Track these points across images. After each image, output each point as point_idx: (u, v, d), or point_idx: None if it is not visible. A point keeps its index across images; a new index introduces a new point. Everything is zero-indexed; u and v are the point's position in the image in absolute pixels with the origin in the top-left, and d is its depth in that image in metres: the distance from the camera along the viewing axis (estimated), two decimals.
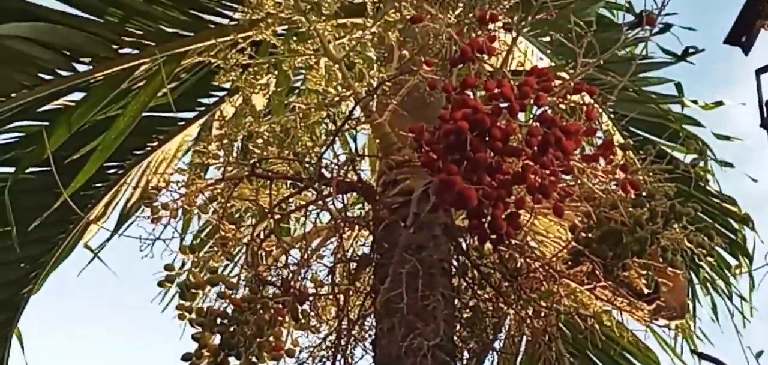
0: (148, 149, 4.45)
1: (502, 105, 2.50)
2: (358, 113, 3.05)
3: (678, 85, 5.28)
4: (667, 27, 4.97)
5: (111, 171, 4.45)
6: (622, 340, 4.30)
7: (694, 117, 5.20)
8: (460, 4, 3.19)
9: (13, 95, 3.66)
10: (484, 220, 2.49)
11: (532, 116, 2.62)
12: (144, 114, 4.00)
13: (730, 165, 5.05)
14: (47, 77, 3.69)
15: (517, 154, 2.49)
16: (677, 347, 4.70)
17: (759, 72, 3.09)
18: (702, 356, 3.85)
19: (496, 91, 2.52)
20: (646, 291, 2.97)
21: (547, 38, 5.06)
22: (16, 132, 4.13)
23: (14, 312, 4.50)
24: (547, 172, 2.50)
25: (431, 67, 2.73)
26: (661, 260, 2.87)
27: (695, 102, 5.32)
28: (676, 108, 5.22)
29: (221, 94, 4.33)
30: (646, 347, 4.49)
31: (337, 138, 3.02)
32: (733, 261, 4.92)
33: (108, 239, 4.49)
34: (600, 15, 5.37)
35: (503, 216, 2.48)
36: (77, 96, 3.90)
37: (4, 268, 4.42)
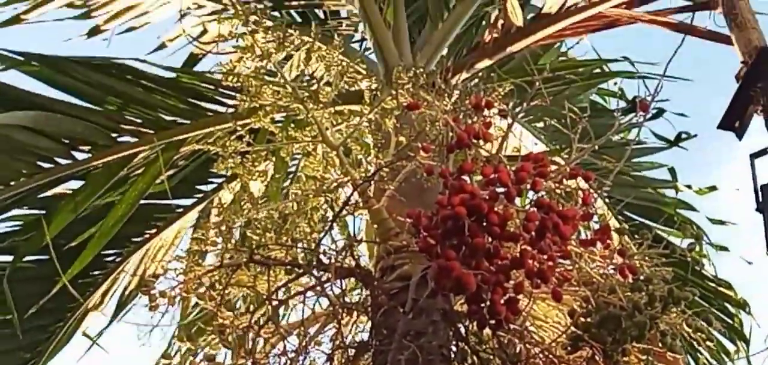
0: (147, 236, 4.45)
1: (499, 190, 2.52)
2: (355, 198, 3.06)
3: (671, 170, 5.34)
4: (659, 112, 5.06)
5: (109, 259, 4.45)
6: None
7: (688, 201, 5.26)
8: (456, 92, 3.24)
9: (12, 183, 3.68)
10: (483, 305, 2.49)
11: (528, 201, 2.64)
12: (142, 201, 4.02)
13: (726, 249, 5.07)
14: (46, 165, 3.72)
15: (515, 239, 2.49)
16: None
17: (754, 156, 3.12)
18: None
19: (493, 176, 2.54)
20: None
21: (541, 124, 5.12)
22: (14, 220, 4.15)
23: None
24: (545, 257, 2.51)
25: (428, 153, 2.75)
26: (660, 345, 2.85)
27: (689, 187, 5.37)
28: (670, 192, 5.27)
29: (219, 181, 4.36)
30: None
31: (335, 224, 3.02)
32: (731, 346, 4.91)
33: (106, 327, 4.47)
34: (593, 101, 5.45)
35: (502, 301, 2.48)
36: (76, 184, 3.93)
37: (3, 356, 4.38)
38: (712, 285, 4.90)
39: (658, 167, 5.34)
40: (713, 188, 5.38)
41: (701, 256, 4.89)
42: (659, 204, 5.08)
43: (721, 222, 5.14)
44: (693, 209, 5.22)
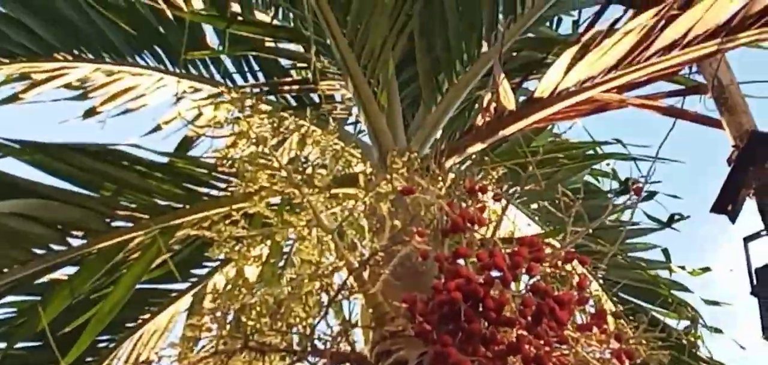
0: (140, 321, 4.42)
1: (494, 275, 2.53)
2: (351, 282, 3.05)
3: (665, 251, 5.36)
4: (652, 194, 5.09)
5: (102, 344, 4.41)
6: None
7: (682, 283, 5.26)
8: (450, 175, 3.26)
9: (5, 270, 3.67)
10: None
11: (524, 285, 2.64)
12: (136, 286, 4.01)
13: (720, 331, 5.05)
14: (41, 252, 3.72)
15: (511, 324, 2.49)
16: None
17: (747, 240, 3.14)
18: None
19: (488, 261, 2.55)
20: None
21: (535, 205, 5.15)
22: (9, 307, 4.13)
23: None
24: (542, 342, 2.50)
25: (423, 237, 2.76)
26: None
27: (683, 268, 5.37)
28: (665, 273, 5.27)
29: (214, 264, 4.35)
30: None
31: (330, 309, 3.01)
32: None
33: None
34: (586, 182, 5.48)
35: None
36: (71, 270, 3.92)
37: None
38: None
39: (652, 248, 5.35)
40: (707, 269, 5.38)
41: (696, 338, 4.87)
42: (654, 286, 5.08)
43: (716, 303, 5.13)
44: (687, 290, 5.23)
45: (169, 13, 4.44)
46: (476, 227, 2.74)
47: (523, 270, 2.57)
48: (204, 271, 4.47)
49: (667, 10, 2.95)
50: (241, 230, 3.30)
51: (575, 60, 3.33)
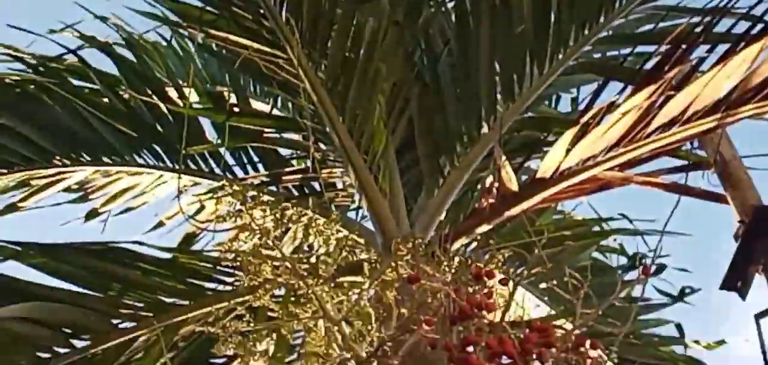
0: None
1: (504, 363, 2.48)
2: None
3: (678, 326, 5.27)
4: (661, 268, 5.04)
5: None
6: None
7: (697, 358, 5.17)
8: (456, 259, 3.22)
9: None
10: None
11: None
12: None
13: None
14: (45, 356, 3.68)
15: None
16: None
17: (758, 316, 3.09)
18: None
19: (497, 348, 2.50)
20: None
21: (544, 285, 5.09)
22: None
23: None
24: None
25: (431, 325, 2.72)
26: None
27: (697, 342, 5.30)
28: (679, 349, 5.20)
29: (220, 361, 4.29)
30: None
31: None
32: None
33: None
34: (594, 259, 5.43)
35: None
36: None
37: None
38: None
39: (665, 324, 5.28)
40: (722, 343, 5.31)
41: None
42: (669, 363, 5.01)
43: None
44: None
45: (165, 109, 4.45)
46: (484, 313, 2.69)
47: (534, 357, 2.53)
48: None
49: (666, 86, 2.95)
50: (245, 325, 3.25)
51: (576, 139, 3.32)
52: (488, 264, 3.02)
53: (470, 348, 2.57)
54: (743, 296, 3.17)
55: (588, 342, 2.61)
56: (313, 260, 3.38)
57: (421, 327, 2.85)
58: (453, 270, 3.09)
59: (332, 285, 3.33)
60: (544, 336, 2.51)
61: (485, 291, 2.82)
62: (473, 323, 2.67)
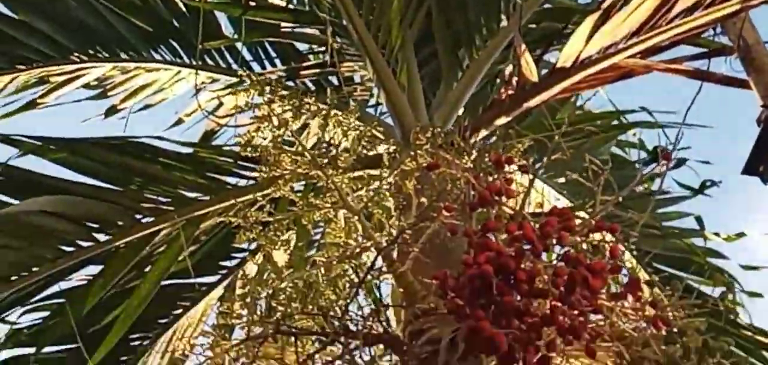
0: (173, 316, 4.42)
1: (524, 247, 2.48)
2: (380, 263, 3.02)
3: (699, 219, 5.27)
4: (682, 161, 5.01)
5: (136, 342, 4.42)
6: None
7: (718, 249, 5.18)
8: (475, 150, 3.21)
9: (35, 269, 3.68)
10: None
11: (555, 257, 2.59)
12: (166, 282, 4.02)
13: (759, 295, 4.98)
14: (68, 249, 3.72)
15: (544, 295, 2.45)
16: None
17: None
18: None
19: (517, 233, 2.50)
20: None
21: (562, 179, 5.09)
22: (38, 311, 4.14)
23: None
24: (576, 313, 2.46)
25: (451, 212, 2.72)
26: None
27: (717, 235, 5.29)
28: (699, 241, 5.20)
29: (242, 255, 4.34)
30: None
31: (360, 290, 2.98)
32: None
33: None
34: (614, 154, 5.41)
35: (535, 360, 2.43)
36: (97, 267, 3.92)
37: None
38: (748, 333, 4.80)
39: (685, 217, 5.28)
40: (742, 235, 5.30)
41: (735, 305, 4.79)
42: (688, 254, 5.01)
43: (754, 268, 5.04)
44: (723, 256, 5.15)
45: (181, 4, 4.41)
46: (504, 199, 2.69)
47: (554, 241, 2.53)
48: (233, 263, 4.47)
49: None
50: (266, 215, 3.27)
51: (597, 27, 3.28)
52: (508, 152, 3.00)
53: (490, 235, 2.57)
54: (765, 180, 3.15)
55: (608, 227, 2.60)
56: (331, 152, 3.38)
57: (440, 215, 2.86)
58: (472, 158, 3.07)
59: (352, 175, 3.33)
60: (563, 220, 2.50)
61: (505, 177, 2.81)
62: (493, 210, 2.67)
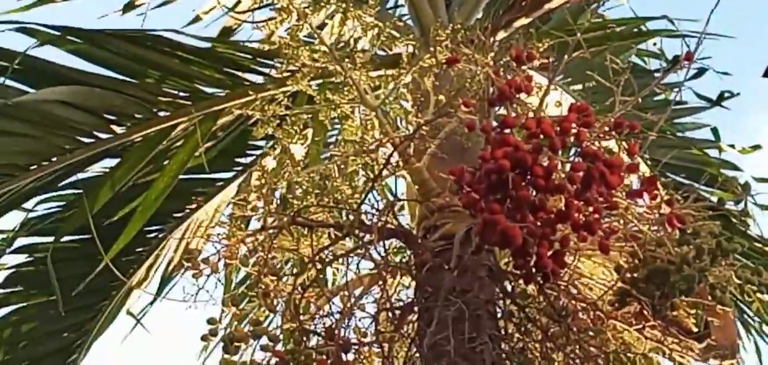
0: (188, 210, 4.45)
1: (542, 143, 2.48)
2: (396, 158, 3.03)
3: (714, 130, 5.24)
4: (701, 71, 4.97)
5: (151, 235, 4.46)
6: None
7: (732, 161, 5.15)
8: (495, 46, 3.19)
9: (53, 159, 3.69)
10: (529, 259, 2.46)
11: (573, 153, 2.59)
12: (182, 176, 4.03)
13: None
14: (86, 140, 3.73)
15: (560, 191, 2.45)
16: None
17: None
18: None
19: (535, 128, 2.50)
20: (695, 330, 2.91)
21: (580, 86, 5.05)
22: (55, 201, 4.17)
23: None
24: (591, 209, 2.47)
25: (469, 107, 2.71)
26: (709, 298, 2.81)
27: (732, 146, 5.27)
28: (713, 153, 5.18)
29: (257, 153, 4.35)
30: None
31: (375, 185, 2.99)
32: None
33: (151, 304, 4.49)
34: (633, 63, 5.36)
35: (548, 255, 2.45)
36: (114, 161, 3.94)
37: (50, 338, 4.43)
38: (758, 244, 4.80)
39: (701, 128, 5.24)
40: (757, 147, 5.27)
41: (746, 215, 4.80)
42: (702, 165, 4.99)
43: (766, 181, 5.03)
44: (737, 168, 5.13)
45: None
46: (523, 95, 2.68)
47: (572, 137, 2.52)
48: (248, 160, 4.48)
49: None
50: (284, 109, 3.27)
51: None
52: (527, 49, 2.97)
53: (508, 130, 2.57)
54: None
55: (628, 124, 2.59)
56: (350, 47, 3.36)
57: (458, 111, 2.85)
58: (492, 55, 3.05)
59: (370, 73, 3.32)
60: (583, 115, 2.49)
61: (524, 75, 2.80)
62: (512, 106, 2.66)
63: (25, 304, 4.34)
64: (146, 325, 4.18)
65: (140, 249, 4.44)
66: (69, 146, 3.71)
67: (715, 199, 4.77)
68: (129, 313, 4.55)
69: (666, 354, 2.97)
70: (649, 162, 4.90)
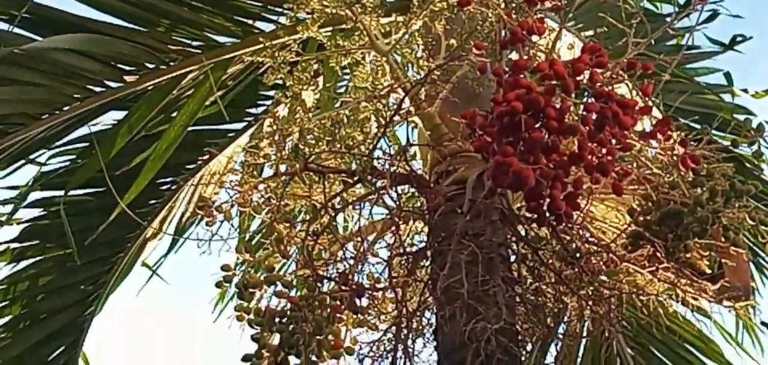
0: (200, 162, 4.46)
1: (555, 84, 2.46)
2: (407, 104, 3.02)
3: (727, 75, 5.19)
4: (714, 15, 4.92)
5: (164, 187, 4.48)
6: (684, 332, 4.23)
7: (745, 106, 5.12)
8: None
9: (65, 108, 3.69)
10: (542, 202, 2.45)
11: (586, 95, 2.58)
12: (194, 128, 4.03)
13: None
14: (97, 90, 3.72)
15: (574, 132, 2.44)
16: (739, 337, 4.60)
17: None
18: None
19: (548, 70, 2.48)
20: (708, 272, 2.90)
21: (591, 32, 5.01)
22: (65, 154, 4.18)
23: (78, 333, 4.54)
24: (604, 150, 2.45)
25: (481, 50, 2.69)
26: (723, 240, 2.80)
27: (745, 91, 5.23)
28: (727, 98, 5.14)
29: (268, 103, 4.34)
30: (707, 337, 4.41)
31: (387, 131, 2.99)
32: None
33: (165, 256, 4.52)
34: (645, 8, 5.31)
35: (561, 196, 2.44)
36: (123, 114, 3.94)
37: (66, 290, 4.46)
38: None
39: (714, 72, 5.20)
40: None
41: (759, 159, 4.76)
42: (715, 109, 4.96)
43: None
44: (751, 113, 5.09)
45: None
46: (535, 38, 2.66)
47: (585, 79, 2.50)
48: (259, 110, 4.47)
49: None
50: (294, 56, 3.26)
51: None
52: None
53: (520, 73, 2.55)
54: None
55: (641, 64, 2.57)
56: None
57: (470, 55, 2.84)
58: None
59: (380, 17, 3.29)
60: (596, 56, 2.47)
61: (536, 17, 2.77)
62: (524, 48, 2.65)
63: (41, 257, 4.37)
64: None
65: (154, 202, 4.46)
66: (79, 95, 3.70)
67: (727, 143, 4.74)
68: (144, 265, 4.60)
69: (679, 296, 2.97)
70: (661, 107, 4.88)
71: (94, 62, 3.61)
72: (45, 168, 4.17)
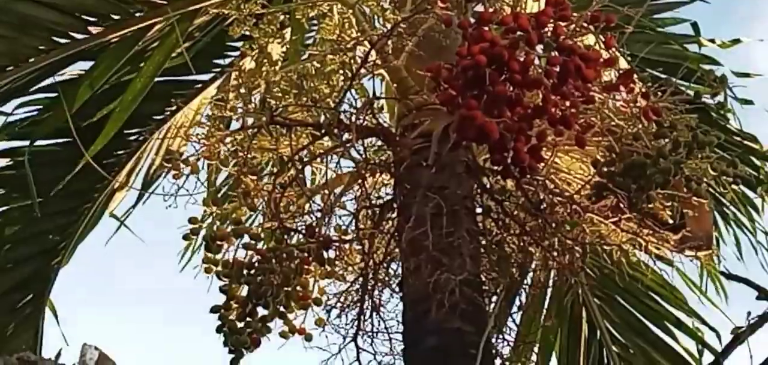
0: (167, 113, 4.44)
1: (519, 38, 2.48)
2: (373, 57, 3.02)
3: (694, 25, 5.20)
4: None
5: (132, 138, 4.46)
6: (647, 279, 4.28)
7: (712, 56, 5.14)
8: None
9: (30, 60, 3.66)
10: (506, 155, 2.48)
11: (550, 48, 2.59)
12: (161, 78, 4.01)
13: (751, 102, 4.97)
14: (62, 41, 3.69)
15: (537, 85, 2.46)
16: (703, 285, 4.67)
17: None
18: (732, 277, 3.81)
19: (512, 23, 2.49)
20: (671, 221, 2.95)
21: None
22: (32, 104, 4.15)
23: (45, 283, 4.53)
24: (568, 103, 2.48)
25: (447, 3, 2.70)
26: (685, 190, 2.84)
27: (712, 41, 5.25)
28: (693, 48, 5.16)
29: (235, 54, 4.32)
30: (671, 286, 4.47)
31: (353, 84, 2.99)
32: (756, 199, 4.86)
33: (133, 207, 4.51)
34: None
35: (525, 149, 2.47)
36: (89, 65, 3.91)
37: (33, 239, 4.44)
38: (737, 138, 4.83)
39: (681, 23, 5.22)
40: (737, 41, 5.26)
41: (725, 109, 4.81)
42: (680, 59, 4.98)
43: (746, 75, 5.02)
44: (717, 63, 5.12)
45: None
46: None
47: (549, 32, 2.52)
48: (226, 61, 4.45)
49: None
50: (260, 8, 3.24)
51: None
52: None
53: (485, 26, 2.56)
54: None
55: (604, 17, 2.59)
56: None
57: (436, 8, 2.84)
58: None
59: None
60: (559, 9, 2.49)
61: None
62: (489, 2, 2.66)
63: (7, 207, 4.35)
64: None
65: (121, 152, 4.44)
66: (44, 46, 3.67)
67: (692, 93, 4.77)
68: (112, 215, 4.58)
69: (641, 245, 3.02)
70: (627, 57, 4.90)
71: (58, 13, 3.57)
72: (12, 118, 4.14)
